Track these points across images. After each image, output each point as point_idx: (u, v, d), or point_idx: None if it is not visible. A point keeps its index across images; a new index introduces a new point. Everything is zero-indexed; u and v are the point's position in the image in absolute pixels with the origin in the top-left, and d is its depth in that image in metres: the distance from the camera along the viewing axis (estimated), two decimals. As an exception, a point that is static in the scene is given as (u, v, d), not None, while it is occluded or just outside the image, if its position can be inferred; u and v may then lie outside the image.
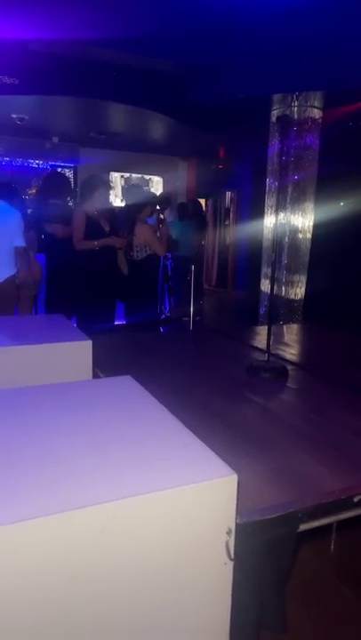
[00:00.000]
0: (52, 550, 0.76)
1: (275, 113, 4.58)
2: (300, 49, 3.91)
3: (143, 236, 3.91)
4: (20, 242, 3.42)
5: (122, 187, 7.47)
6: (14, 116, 5.29)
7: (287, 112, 4.39)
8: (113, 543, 0.81)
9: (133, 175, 7.50)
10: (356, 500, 1.15)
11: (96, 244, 3.69)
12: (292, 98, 4.39)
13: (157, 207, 4.73)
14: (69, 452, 0.97)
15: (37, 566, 0.76)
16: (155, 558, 0.85)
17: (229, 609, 0.94)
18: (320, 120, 4.47)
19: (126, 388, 1.34)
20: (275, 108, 4.58)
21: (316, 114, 4.46)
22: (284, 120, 2.08)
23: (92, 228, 3.71)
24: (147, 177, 7.55)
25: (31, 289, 3.71)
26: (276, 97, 4.47)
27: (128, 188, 4.49)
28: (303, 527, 1.13)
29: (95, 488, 0.83)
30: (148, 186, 7.41)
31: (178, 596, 0.89)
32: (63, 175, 4.97)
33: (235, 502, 0.91)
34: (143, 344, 2.51)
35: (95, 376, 1.77)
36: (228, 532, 0.90)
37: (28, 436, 1.03)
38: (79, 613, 0.81)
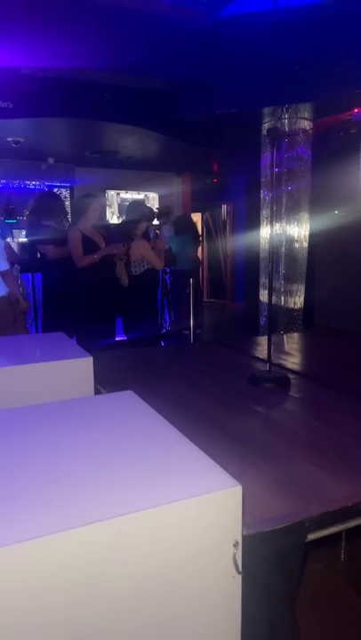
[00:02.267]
0: (58, 568, 0.76)
1: (266, 126, 4.65)
2: (287, 61, 3.99)
3: (139, 251, 3.94)
4: (3, 266, 3.36)
5: (118, 204, 7.55)
6: (10, 139, 5.37)
7: (278, 124, 4.46)
8: (119, 559, 0.80)
9: (129, 193, 7.58)
10: (363, 507, 1.14)
11: (96, 256, 3.73)
12: (283, 110, 4.47)
13: (156, 221, 4.78)
14: (73, 469, 0.97)
15: (43, 585, 0.75)
16: (161, 574, 0.85)
17: (240, 623, 0.93)
18: (311, 131, 4.53)
19: (128, 402, 1.34)
20: (265, 120, 4.65)
21: (307, 125, 4.52)
22: (274, 132, 2.11)
23: (88, 245, 3.75)
24: (142, 194, 7.63)
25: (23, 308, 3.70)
26: (267, 110, 4.54)
27: (131, 203, 4.52)
28: (311, 537, 1.12)
29: (100, 504, 0.83)
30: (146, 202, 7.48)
31: (187, 611, 0.88)
32: (54, 195, 4.89)
33: (240, 514, 0.90)
34: (144, 359, 2.51)
35: (97, 392, 1.77)
36: (235, 545, 0.90)
37: (31, 455, 1.03)
38: (86, 631, 0.80)
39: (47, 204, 4.17)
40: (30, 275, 4.62)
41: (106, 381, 1.84)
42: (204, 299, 8.51)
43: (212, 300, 9.48)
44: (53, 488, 0.89)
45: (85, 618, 0.80)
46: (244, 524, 0.92)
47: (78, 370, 1.73)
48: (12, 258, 3.80)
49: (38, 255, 4.07)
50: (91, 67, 3.95)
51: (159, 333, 5.10)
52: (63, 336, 2.19)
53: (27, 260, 4.37)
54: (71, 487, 0.90)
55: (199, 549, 0.87)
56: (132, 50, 3.81)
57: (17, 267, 4.04)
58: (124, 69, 4.20)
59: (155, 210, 5.16)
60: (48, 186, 6.80)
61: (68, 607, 0.78)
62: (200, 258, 7.47)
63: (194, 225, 6.82)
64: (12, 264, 3.75)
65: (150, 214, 4.52)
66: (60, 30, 3.46)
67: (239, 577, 0.91)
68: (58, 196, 4.92)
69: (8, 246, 3.86)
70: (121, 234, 4.12)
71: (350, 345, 2.89)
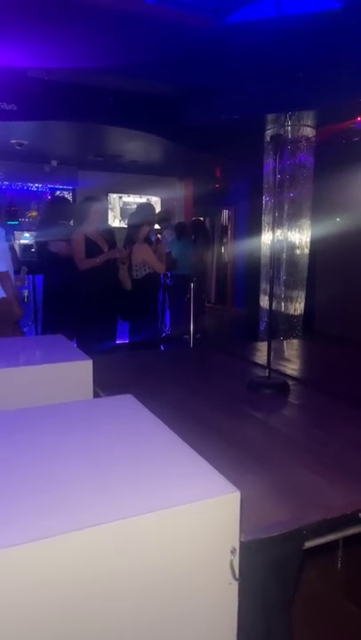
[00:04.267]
0: (54, 572, 0.76)
1: (269, 132, 4.67)
2: (292, 69, 4.01)
3: (141, 255, 3.95)
4: (2, 267, 3.39)
5: (121, 208, 7.57)
6: (13, 141, 5.39)
7: (281, 131, 4.48)
8: (115, 564, 0.80)
9: (131, 197, 7.60)
10: None
11: (98, 260, 3.74)
12: (286, 117, 4.49)
13: (157, 226, 4.79)
14: (71, 473, 0.97)
15: (38, 588, 0.75)
16: (158, 579, 0.84)
17: (235, 630, 0.93)
18: (313, 138, 4.55)
19: (127, 406, 1.34)
20: (269, 127, 4.67)
21: (310, 132, 4.55)
22: (277, 139, 2.13)
23: (91, 248, 3.76)
24: (144, 198, 7.65)
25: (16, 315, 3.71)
26: (270, 117, 4.56)
27: (139, 206, 4.56)
28: (308, 544, 1.11)
29: (97, 508, 0.83)
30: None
31: (182, 618, 0.88)
32: (66, 199, 5.27)
33: (238, 520, 0.90)
34: (144, 362, 2.51)
35: (96, 395, 1.77)
36: (233, 551, 0.89)
37: (29, 457, 1.03)
38: (82, 636, 0.80)
39: (62, 207, 4.43)
40: (31, 277, 4.64)
41: (105, 385, 1.84)
42: (209, 303, 8.50)
43: (211, 305, 9.48)
44: (50, 491, 0.89)
45: (81, 622, 0.79)
46: (242, 530, 0.92)
47: (77, 373, 1.73)
48: (15, 261, 3.82)
49: (47, 254, 4.09)
50: (95, 69, 3.97)
51: (159, 337, 5.10)
52: (63, 338, 2.19)
53: (31, 262, 4.39)
54: (68, 491, 0.89)
55: (196, 555, 0.87)
56: (138, 55, 3.83)
57: (24, 268, 4.06)
58: (128, 74, 4.22)
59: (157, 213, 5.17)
60: (51, 188, 6.82)
61: (64, 611, 0.77)
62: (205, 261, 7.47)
63: (205, 228, 6.83)
64: (17, 267, 3.77)
65: (155, 218, 4.55)
66: (65, 33, 3.48)
67: (236, 583, 0.90)
68: (69, 201, 5.48)
69: (12, 249, 3.89)
70: (126, 237, 4.15)
71: (350, 352, 2.89)
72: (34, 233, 5.29)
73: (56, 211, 4.31)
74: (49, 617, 0.76)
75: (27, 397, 1.57)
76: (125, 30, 3.53)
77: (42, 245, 4.17)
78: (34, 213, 6.69)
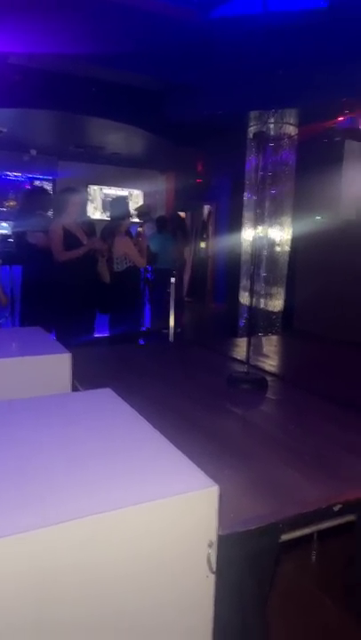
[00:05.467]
0: (32, 567, 0.75)
1: (252, 129, 4.68)
2: (275, 66, 4.02)
3: (122, 247, 3.92)
4: None
5: (102, 199, 7.49)
6: (-8, 128, 5.27)
7: (264, 129, 4.49)
8: (93, 558, 0.80)
9: (112, 189, 7.53)
10: (336, 509, 1.16)
11: (80, 251, 3.68)
12: (269, 115, 4.50)
13: (138, 220, 4.76)
14: (48, 467, 0.95)
15: (17, 583, 0.74)
16: (135, 573, 0.84)
17: (212, 623, 0.93)
18: (296, 136, 4.58)
19: (106, 400, 1.33)
20: (252, 124, 4.68)
21: (292, 130, 4.57)
22: (260, 136, 2.13)
23: (70, 240, 3.70)
24: (126, 191, 7.59)
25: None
26: (253, 114, 4.57)
27: (113, 200, 4.53)
28: (285, 537, 1.13)
29: (75, 502, 0.82)
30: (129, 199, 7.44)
31: (159, 610, 0.88)
32: (45, 189, 5.19)
33: (216, 514, 0.90)
34: (123, 356, 2.50)
35: (74, 389, 1.75)
36: (210, 545, 0.90)
37: (5, 451, 1.01)
38: (59, 629, 0.79)
39: (40, 197, 4.33)
40: (8, 267, 4.56)
41: (84, 378, 1.82)
42: (187, 298, 8.51)
43: (190, 299, 9.49)
44: (27, 485, 0.88)
45: (58, 615, 0.78)
46: (220, 524, 0.92)
47: (56, 366, 1.70)
48: None
49: (26, 245, 4.01)
50: (76, 56, 3.90)
51: (139, 331, 5.08)
52: (41, 330, 2.16)
53: (9, 252, 4.32)
54: (45, 485, 0.88)
55: (174, 548, 0.87)
56: (120, 44, 3.78)
57: None
58: (111, 64, 4.17)
59: (134, 211, 5.15)
60: (29, 178, 6.70)
61: (39, 604, 0.77)
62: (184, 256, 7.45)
63: (183, 223, 6.81)
64: None
65: (135, 211, 4.52)
66: (47, 18, 3.40)
67: (213, 577, 0.91)
68: (48, 192, 5.31)
69: None
70: (108, 230, 4.11)
71: (327, 349, 2.94)
72: (12, 223, 5.21)
73: (35, 201, 4.23)
74: (24, 609, 0.75)
75: (3, 390, 1.54)
76: (108, 18, 3.48)
77: (20, 236, 4.09)
78: (12, 203, 6.57)
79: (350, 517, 1.24)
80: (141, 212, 4.83)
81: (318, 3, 3.41)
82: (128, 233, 4.14)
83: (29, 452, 1.01)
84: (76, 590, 0.79)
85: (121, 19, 3.45)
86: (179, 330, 5.55)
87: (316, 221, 4.21)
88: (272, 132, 4.50)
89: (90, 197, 7.33)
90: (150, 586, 0.86)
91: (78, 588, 0.79)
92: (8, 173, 6.62)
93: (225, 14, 3.56)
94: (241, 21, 3.54)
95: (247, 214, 4.84)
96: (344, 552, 1.33)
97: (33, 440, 1.07)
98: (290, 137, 4.53)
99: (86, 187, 7.15)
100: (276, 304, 4.79)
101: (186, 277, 9.59)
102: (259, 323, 4.68)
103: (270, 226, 4.66)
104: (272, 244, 4.69)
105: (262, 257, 4.70)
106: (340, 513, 1.18)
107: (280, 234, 4.70)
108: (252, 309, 4.18)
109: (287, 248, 4.79)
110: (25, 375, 1.64)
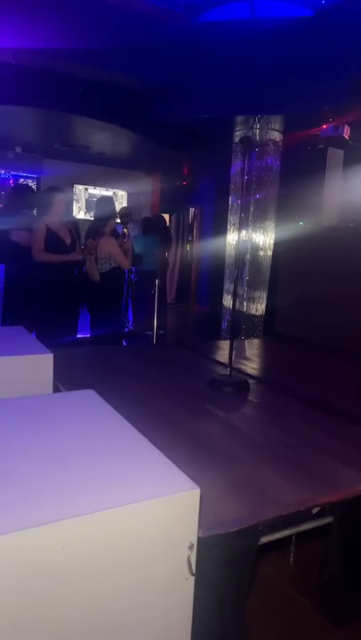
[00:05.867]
0: (13, 568, 0.74)
1: (237, 134, 4.72)
2: (262, 73, 4.06)
3: (107, 248, 3.91)
4: None
5: (87, 199, 7.44)
6: (-24, 124, 5.20)
7: (249, 134, 4.53)
8: (74, 560, 0.79)
9: (97, 189, 7.49)
10: (314, 511, 1.18)
11: (56, 258, 3.65)
12: (255, 120, 4.54)
13: (119, 222, 4.75)
14: (28, 469, 0.94)
15: (-7, 587, 0.73)
16: (116, 575, 0.84)
17: (190, 624, 0.94)
18: (281, 142, 4.64)
19: (88, 401, 1.33)
20: (237, 129, 4.71)
21: (277, 136, 4.62)
22: (246, 141, 2.15)
23: (53, 240, 3.67)
24: (111, 191, 7.56)
25: None
26: (239, 119, 4.61)
27: (99, 199, 4.51)
28: (263, 540, 1.14)
29: (55, 504, 0.82)
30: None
31: (138, 612, 0.88)
32: (30, 187, 5.13)
33: (197, 516, 0.91)
34: (106, 357, 2.49)
35: (56, 390, 1.74)
36: (191, 547, 0.90)
37: (-15, 452, 1.00)
38: (37, 631, 0.78)
39: (24, 195, 4.28)
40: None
41: (66, 379, 1.81)
42: (170, 299, 8.52)
43: (174, 302, 9.50)
44: (6, 487, 0.87)
45: (37, 618, 0.78)
46: (200, 526, 0.93)
47: (37, 366, 1.69)
48: None
49: (8, 243, 3.96)
50: (62, 54, 3.87)
51: (122, 332, 5.06)
52: (23, 330, 2.14)
53: None
54: (25, 487, 0.88)
55: (155, 551, 0.87)
56: (108, 44, 3.77)
57: None
58: (98, 64, 4.15)
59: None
60: (14, 175, 6.63)
61: (18, 611, 0.76)
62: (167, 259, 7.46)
63: (165, 225, 6.81)
64: None
65: (120, 212, 4.51)
66: (33, 12, 3.38)
67: (192, 579, 0.91)
68: (33, 190, 5.31)
69: None
70: (93, 231, 4.10)
71: (308, 353, 2.98)
72: None
73: (19, 199, 4.19)
74: (6, 612, 0.75)
75: (-17, 390, 1.52)
76: (96, 18, 3.47)
77: (3, 234, 4.04)
78: (-4, 201, 6.48)
79: (328, 520, 1.26)
80: (123, 214, 4.84)
81: (305, 11, 3.46)
82: (114, 233, 4.13)
83: (8, 453, 1.00)
84: (57, 592, 0.79)
85: (109, 19, 3.45)
86: (162, 332, 5.55)
87: (298, 227, 4.27)
88: (257, 138, 4.55)
89: (75, 197, 7.28)
90: (130, 588, 0.86)
91: (59, 589, 0.79)
92: (-9, 170, 6.54)
93: (213, 19, 3.58)
94: (229, 26, 3.57)
95: (232, 218, 4.87)
96: (322, 554, 1.35)
97: (12, 441, 1.06)
98: (275, 143, 4.58)
99: (72, 186, 7.10)
100: (259, 307, 4.83)
101: (173, 280, 9.61)
102: (241, 326, 4.71)
103: (254, 230, 4.70)
104: (256, 248, 4.73)
105: (246, 261, 4.73)
106: (319, 515, 1.20)
107: (263, 238, 4.75)
108: (235, 312, 4.21)
109: (270, 252, 4.84)
110: (6, 375, 1.62)
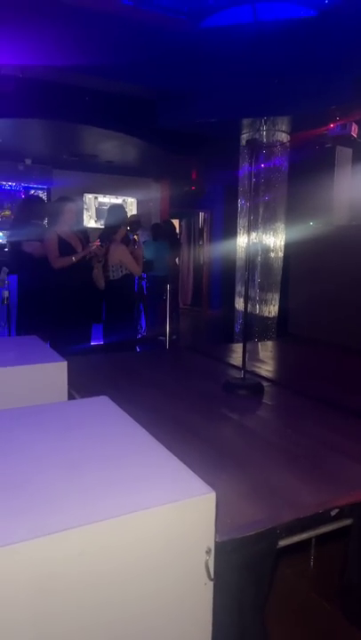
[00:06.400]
0: (30, 576, 0.74)
1: (244, 137, 4.72)
2: (267, 75, 4.07)
3: (118, 255, 3.93)
4: None
5: (97, 208, 7.51)
6: (-14, 138, 5.29)
7: (256, 136, 4.53)
8: (91, 566, 0.79)
9: (107, 197, 7.55)
10: (333, 513, 1.16)
11: (74, 258, 3.69)
12: (261, 122, 4.55)
13: (128, 228, 4.78)
14: (46, 475, 0.95)
15: (14, 593, 0.74)
16: (134, 581, 0.84)
17: (210, 630, 0.93)
18: (288, 143, 4.63)
19: (103, 408, 1.33)
20: (244, 131, 4.72)
21: (284, 137, 4.62)
22: (253, 144, 2.15)
23: (65, 248, 3.72)
24: (120, 199, 7.62)
25: None
26: (246, 121, 4.62)
27: (110, 207, 4.54)
28: (282, 543, 1.13)
29: (72, 511, 0.82)
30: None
31: (159, 619, 0.88)
32: (40, 198, 5.26)
33: (214, 520, 0.90)
34: (119, 364, 2.50)
35: (70, 397, 1.75)
36: (208, 552, 0.90)
37: (2, 460, 1.01)
38: (57, 638, 0.79)
39: (35, 206, 4.33)
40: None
41: (80, 386, 1.82)
42: (180, 305, 8.53)
43: (187, 306, 9.51)
44: (24, 494, 0.88)
45: (57, 625, 0.78)
46: (217, 530, 0.92)
47: (52, 374, 1.70)
48: None
49: (21, 254, 4.02)
50: (69, 66, 3.93)
51: (135, 339, 5.08)
52: (37, 339, 2.16)
53: (3, 261, 4.32)
54: (42, 495, 0.88)
55: (172, 556, 0.87)
56: (113, 54, 3.82)
57: (5, 269, 4.01)
58: (104, 74, 4.20)
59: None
60: (25, 187, 6.72)
61: (37, 616, 0.76)
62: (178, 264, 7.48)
63: (174, 231, 6.84)
64: None
65: (128, 220, 4.54)
66: (39, 31, 3.44)
67: (211, 584, 0.91)
68: (43, 200, 5.37)
69: None
70: (104, 238, 4.13)
71: (322, 354, 2.95)
72: (7, 232, 5.22)
73: (30, 210, 4.24)
74: (23, 620, 0.75)
75: (0, 399, 1.54)
76: (100, 30, 3.52)
77: (15, 245, 4.10)
78: (7, 212, 6.58)
79: (347, 521, 1.24)
80: (131, 221, 4.87)
81: (308, 12, 3.46)
82: (125, 240, 4.16)
83: (26, 460, 1.01)
84: (75, 599, 0.79)
85: (113, 30, 3.49)
86: (175, 337, 5.55)
87: (308, 227, 4.25)
88: (264, 139, 4.55)
89: (85, 206, 7.36)
90: (148, 593, 0.86)
91: (76, 596, 0.79)
92: (3, 183, 6.63)
93: (216, 24, 3.60)
94: (232, 31, 3.59)
95: (241, 221, 4.87)
96: (342, 556, 1.33)
97: (29, 449, 1.07)
98: (282, 144, 4.57)
99: (81, 195, 7.17)
100: (271, 309, 4.81)
101: (188, 284, 9.63)
102: (254, 328, 4.69)
103: (264, 232, 4.69)
104: (266, 250, 4.72)
105: (257, 263, 4.72)
106: (337, 517, 1.19)
107: (274, 240, 4.73)
108: (248, 315, 4.20)
109: (281, 254, 4.82)
110: (21, 384, 1.64)
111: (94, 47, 3.73)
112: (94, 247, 3.89)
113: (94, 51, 3.75)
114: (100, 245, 3.96)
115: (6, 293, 4.23)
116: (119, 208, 4.52)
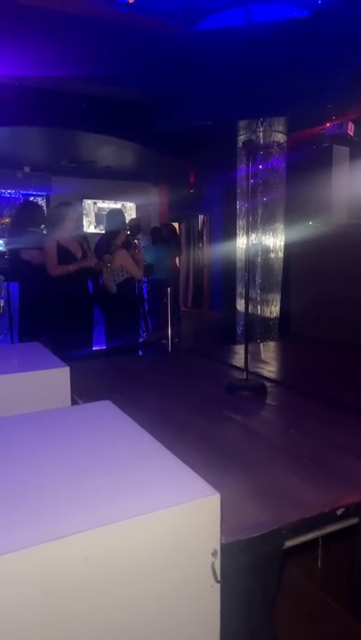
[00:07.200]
0: (36, 581, 0.74)
1: (241, 138, 4.74)
2: (262, 76, 4.08)
3: (119, 260, 3.94)
4: None
5: (96, 213, 7.54)
6: (-16, 147, 5.32)
7: (253, 137, 4.54)
8: (97, 571, 0.79)
9: (106, 203, 7.58)
10: (339, 513, 1.16)
11: (71, 267, 3.69)
12: (258, 123, 4.56)
13: (127, 233, 4.80)
14: (49, 481, 0.95)
15: (20, 599, 0.74)
16: (140, 585, 0.84)
17: (218, 632, 0.93)
18: (285, 144, 4.64)
19: (106, 412, 1.34)
20: (241, 133, 4.74)
21: (281, 138, 4.63)
22: (249, 145, 2.15)
23: (64, 255, 3.72)
24: (119, 204, 7.64)
25: None
26: (242, 123, 4.63)
27: (109, 212, 4.55)
28: (289, 544, 1.13)
29: (77, 516, 0.82)
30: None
31: (165, 622, 0.88)
32: (37, 204, 5.18)
33: (219, 522, 0.90)
34: (122, 368, 2.50)
35: (73, 402, 1.75)
36: (214, 554, 0.90)
37: (6, 466, 1.01)
38: (64, 648, 0.79)
39: (32, 213, 4.31)
40: (6, 284, 4.57)
41: (83, 391, 1.83)
42: (182, 308, 8.54)
43: (188, 309, 9.51)
44: (28, 500, 0.88)
45: (63, 630, 0.78)
46: (223, 532, 0.92)
47: (54, 380, 1.71)
48: None
49: (20, 262, 4.03)
50: (66, 76, 3.96)
51: (137, 342, 5.08)
52: (39, 346, 2.16)
53: (3, 269, 4.33)
54: (47, 499, 0.88)
55: (178, 559, 0.87)
56: (108, 61, 3.84)
57: (1, 277, 4.02)
58: (100, 80, 4.22)
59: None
60: (24, 194, 6.75)
61: (43, 622, 0.76)
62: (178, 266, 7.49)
63: (174, 234, 6.86)
64: None
65: (128, 224, 4.56)
66: (36, 40, 3.47)
67: (218, 586, 0.91)
68: (40, 206, 5.23)
69: None
70: (103, 243, 4.14)
71: (324, 353, 2.95)
72: (4, 240, 5.23)
73: (26, 216, 4.21)
74: (28, 625, 0.75)
75: (3, 406, 1.54)
76: (95, 37, 3.54)
77: (13, 253, 4.11)
78: (7, 220, 6.60)
79: (354, 520, 1.24)
80: (131, 225, 4.88)
81: (301, 12, 3.47)
82: (126, 244, 4.17)
83: (30, 466, 1.02)
84: (82, 603, 0.79)
85: (108, 36, 3.52)
86: (176, 340, 5.56)
87: (307, 227, 4.25)
88: (261, 140, 4.56)
89: (85, 212, 7.38)
90: (155, 597, 0.86)
91: (83, 601, 0.79)
92: (2, 191, 6.67)
93: (210, 27, 3.62)
94: (226, 33, 3.61)
95: (240, 222, 4.88)
96: (349, 556, 1.32)
97: (33, 454, 1.07)
98: (279, 144, 4.58)
99: (81, 201, 7.20)
100: (273, 310, 4.81)
101: (189, 287, 9.64)
102: (256, 329, 4.69)
103: (264, 233, 4.69)
104: (266, 250, 4.72)
105: (257, 264, 4.73)
106: (344, 516, 1.18)
107: (273, 240, 4.74)
108: (249, 316, 4.20)
109: (281, 254, 4.83)
110: (24, 390, 1.64)
111: (90, 54, 3.76)
112: (95, 263, 3.89)
113: (90, 58, 3.77)
114: (109, 254, 3.96)
115: (1, 302, 4.24)
116: (118, 213, 4.53)
